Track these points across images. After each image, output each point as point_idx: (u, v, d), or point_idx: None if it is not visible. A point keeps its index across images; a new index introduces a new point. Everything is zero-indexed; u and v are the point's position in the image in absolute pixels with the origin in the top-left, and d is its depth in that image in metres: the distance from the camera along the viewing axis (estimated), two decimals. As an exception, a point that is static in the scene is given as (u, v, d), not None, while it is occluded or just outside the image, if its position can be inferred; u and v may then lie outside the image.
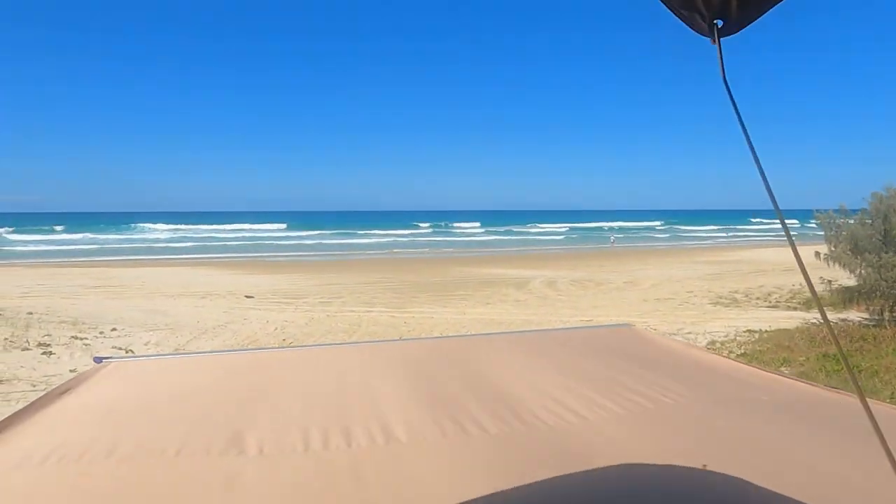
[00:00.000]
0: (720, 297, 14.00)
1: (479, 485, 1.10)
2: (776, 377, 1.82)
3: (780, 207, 0.83)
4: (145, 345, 9.37)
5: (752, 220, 70.94)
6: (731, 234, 53.32)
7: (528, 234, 53.88)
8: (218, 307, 12.72)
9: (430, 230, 54.35)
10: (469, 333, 8.23)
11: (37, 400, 1.70)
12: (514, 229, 57.21)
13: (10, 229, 47.07)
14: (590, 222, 67.71)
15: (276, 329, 10.55)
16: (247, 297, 14.25)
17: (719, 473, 1.09)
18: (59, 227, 50.37)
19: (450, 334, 9.04)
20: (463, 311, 12.22)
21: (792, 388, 1.68)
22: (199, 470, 1.18)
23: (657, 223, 70.41)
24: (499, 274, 19.91)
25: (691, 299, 13.91)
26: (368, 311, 12.19)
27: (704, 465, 1.13)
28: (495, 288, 16.10)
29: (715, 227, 60.21)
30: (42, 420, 1.50)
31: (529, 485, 1.09)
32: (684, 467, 1.15)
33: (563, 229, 58.20)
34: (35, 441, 1.33)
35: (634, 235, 52.52)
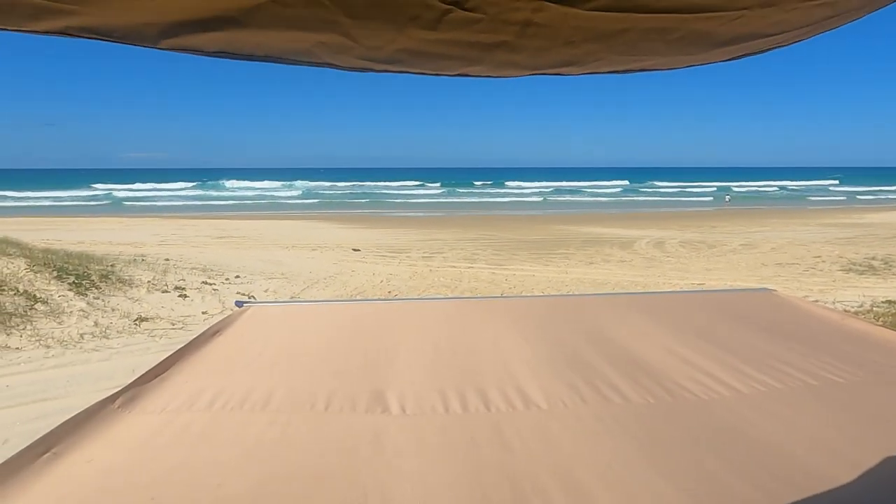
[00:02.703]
0: (853, 264, 12.68)
1: (631, 457, 1.05)
2: None
3: None
4: (265, 291, 10.07)
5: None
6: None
7: (642, 192, 50.12)
8: (328, 259, 13.39)
9: (550, 190, 51.48)
10: (587, 293, 8.07)
11: (192, 341, 1.86)
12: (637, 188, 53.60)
13: (146, 184, 52.02)
14: (745, 181, 60.40)
15: (381, 281, 10.93)
16: (354, 250, 14.86)
17: None
18: (191, 183, 54.92)
19: (560, 293, 8.93)
20: (565, 271, 12.00)
21: None
22: (348, 426, 1.23)
23: (829, 182, 61.72)
24: (602, 233, 19.29)
25: (818, 265, 12.73)
26: (469, 267, 12.31)
27: None
28: (598, 247, 15.63)
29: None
30: (201, 362, 1.64)
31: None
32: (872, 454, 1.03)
33: (712, 189, 51.75)
34: (199, 384, 1.46)
35: (797, 194, 47.32)
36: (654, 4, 0.82)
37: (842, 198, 43.56)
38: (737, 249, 15.35)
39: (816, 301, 9.06)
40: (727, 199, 39.15)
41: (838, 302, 9.00)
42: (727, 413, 1.25)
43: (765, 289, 2.31)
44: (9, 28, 0.80)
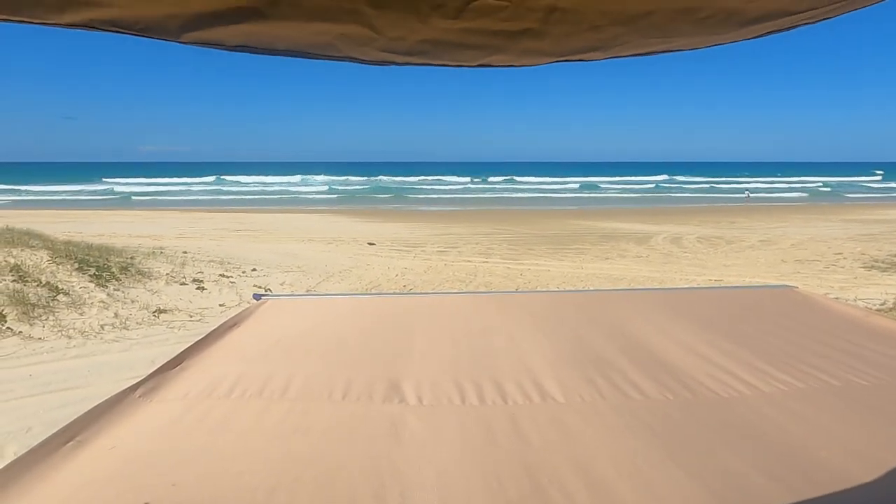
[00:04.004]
0: (876, 261, 12.45)
1: (650, 451, 1.04)
2: None
3: None
4: (281, 284, 10.15)
5: None
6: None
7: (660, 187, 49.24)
8: (343, 252, 13.46)
9: (577, 185, 50.30)
10: (605, 288, 8.02)
11: (211, 332, 1.88)
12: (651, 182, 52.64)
13: (164, 178, 52.57)
14: (786, 176, 58.90)
15: (396, 275, 10.96)
16: (369, 243, 14.92)
17: None
18: (209, 177, 55.04)
19: (575, 288, 8.89)
20: (580, 266, 11.94)
21: None
22: (365, 414, 1.24)
23: (871, 177, 59.63)
24: (619, 228, 19.16)
25: (840, 261, 12.52)
26: (484, 262, 12.30)
27: None
28: (614, 242, 15.54)
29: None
30: (220, 352, 1.66)
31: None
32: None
33: (750, 185, 49.28)
34: (219, 373, 1.48)
35: (830, 190, 45.97)
36: None
37: (878, 194, 42.09)
38: (755, 245, 15.16)
39: (838, 298, 8.90)
40: (747, 196, 38.68)
41: (860, 299, 8.84)
42: (747, 411, 1.23)
43: (786, 286, 2.27)
44: (34, 21, 0.81)
